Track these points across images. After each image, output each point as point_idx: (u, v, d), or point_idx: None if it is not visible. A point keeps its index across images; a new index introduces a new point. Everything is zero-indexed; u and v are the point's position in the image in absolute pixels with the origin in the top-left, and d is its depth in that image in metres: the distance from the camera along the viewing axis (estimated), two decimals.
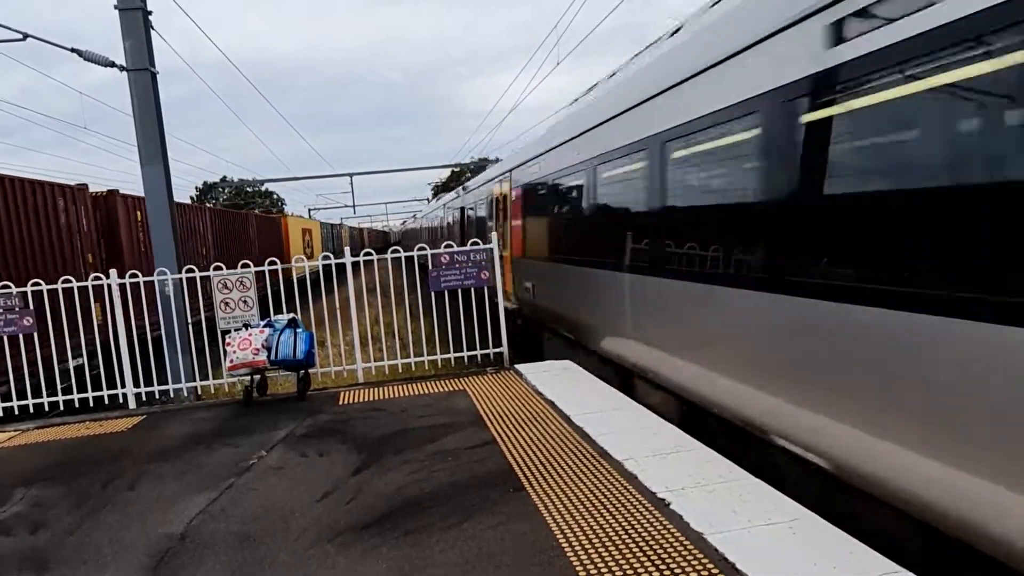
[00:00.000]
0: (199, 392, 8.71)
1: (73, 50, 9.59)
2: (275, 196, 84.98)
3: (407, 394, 7.18)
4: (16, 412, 7.69)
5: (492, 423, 5.80)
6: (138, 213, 14.67)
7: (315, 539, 3.80)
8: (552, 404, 6.26)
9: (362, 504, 4.24)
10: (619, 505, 3.88)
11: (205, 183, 76.35)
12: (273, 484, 4.78)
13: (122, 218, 14.38)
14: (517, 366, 7.92)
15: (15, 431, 7.11)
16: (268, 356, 7.03)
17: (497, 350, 8.25)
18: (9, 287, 7.50)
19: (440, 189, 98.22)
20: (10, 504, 4.87)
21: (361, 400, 7.07)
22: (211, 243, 20.28)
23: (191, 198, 71.14)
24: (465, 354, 8.26)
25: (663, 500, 3.87)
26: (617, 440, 5.02)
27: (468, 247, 7.95)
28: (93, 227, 13.28)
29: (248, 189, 77.70)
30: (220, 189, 76.29)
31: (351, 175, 44.94)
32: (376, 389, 7.48)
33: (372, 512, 4.09)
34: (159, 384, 8.13)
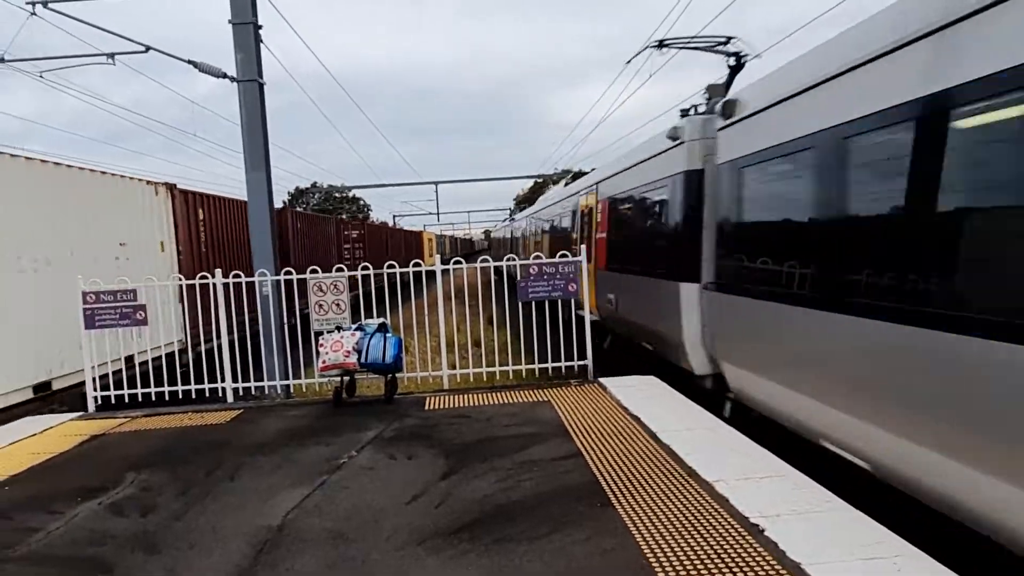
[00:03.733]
0: (290, 390, 9.06)
1: (190, 62, 10.21)
2: (362, 202, 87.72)
3: (492, 403, 7.24)
4: (126, 400, 8.18)
5: (577, 435, 5.78)
6: (199, 211, 13.99)
7: (406, 540, 3.88)
8: (637, 419, 6.19)
9: (451, 509, 4.30)
10: (711, 528, 3.79)
11: (297, 188, 79.39)
12: (364, 484, 4.91)
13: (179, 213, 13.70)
14: (601, 379, 7.88)
15: (125, 418, 7.58)
16: (358, 359, 7.24)
17: (581, 362, 8.23)
18: (126, 283, 8.01)
19: (523, 200, 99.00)
20: (122, 487, 5.19)
21: (447, 406, 7.18)
22: (364, 251, 27.45)
23: (283, 202, 74.26)
24: (549, 365, 8.27)
25: (757, 526, 3.76)
26: (706, 460, 4.91)
27: (557, 259, 7.97)
28: None
29: (336, 195, 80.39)
30: (311, 194, 79.12)
31: (436, 183, 45.89)
32: (461, 396, 7.58)
33: (461, 518, 4.15)
34: (254, 380, 8.50)
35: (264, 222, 10.11)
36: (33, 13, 9.85)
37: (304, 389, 8.92)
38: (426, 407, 7.20)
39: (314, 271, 8.17)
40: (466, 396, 7.56)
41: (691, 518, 3.94)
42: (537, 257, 7.96)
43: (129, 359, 8.98)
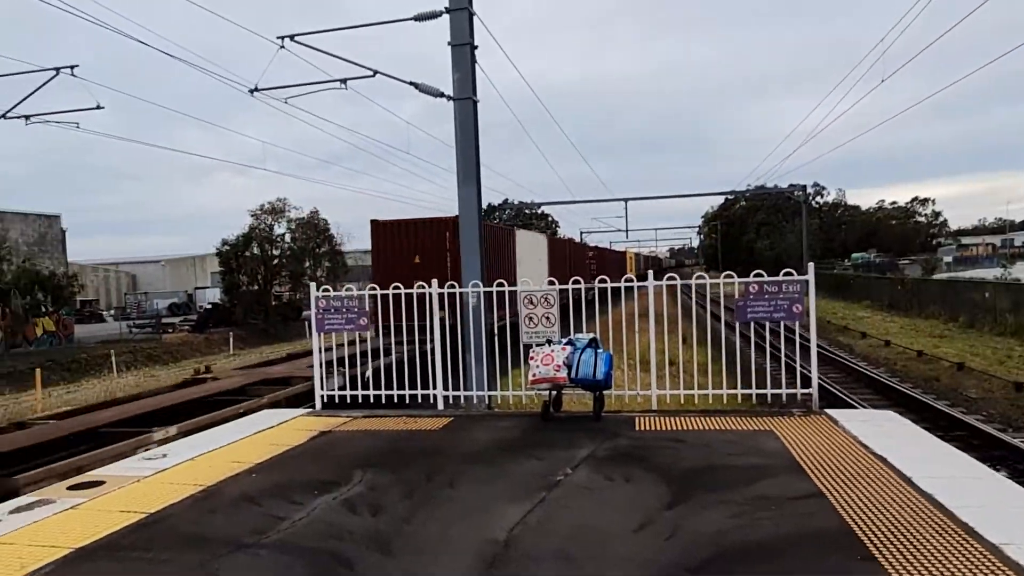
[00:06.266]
0: (489, 401, 9.18)
1: (411, 83, 10.81)
2: (550, 219, 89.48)
3: (706, 427, 6.80)
4: (348, 400, 8.72)
5: (813, 473, 5.21)
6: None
7: (638, 571, 3.64)
8: (883, 460, 5.47)
9: (682, 542, 3.99)
10: None
11: (490, 204, 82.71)
12: (584, 504, 4.73)
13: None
14: (829, 411, 7.14)
15: (347, 417, 8.05)
16: (568, 373, 7.13)
17: (805, 391, 7.52)
18: (351, 289, 8.56)
19: (713, 218, 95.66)
20: (352, 484, 5.44)
21: (658, 428, 6.85)
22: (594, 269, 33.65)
23: None
24: (768, 391, 7.64)
25: None
26: (984, 516, 4.17)
27: (781, 277, 7.37)
28: None
29: (527, 211, 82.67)
30: (502, 210, 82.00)
31: (626, 200, 45.44)
32: (672, 418, 7.21)
33: (695, 554, 3.82)
34: (459, 389, 8.70)
35: (473, 235, 10.42)
36: (282, 47, 10.97)
37: (500, 400, 8.98)
38: (636, 427, 6.91)
39: (524, 282, 8.22)
40: (677, 419, 7.17)
41: None
42: None
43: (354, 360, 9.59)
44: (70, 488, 5.62)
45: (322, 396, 8.72)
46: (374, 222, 20.75)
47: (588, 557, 3.85)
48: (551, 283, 8.14)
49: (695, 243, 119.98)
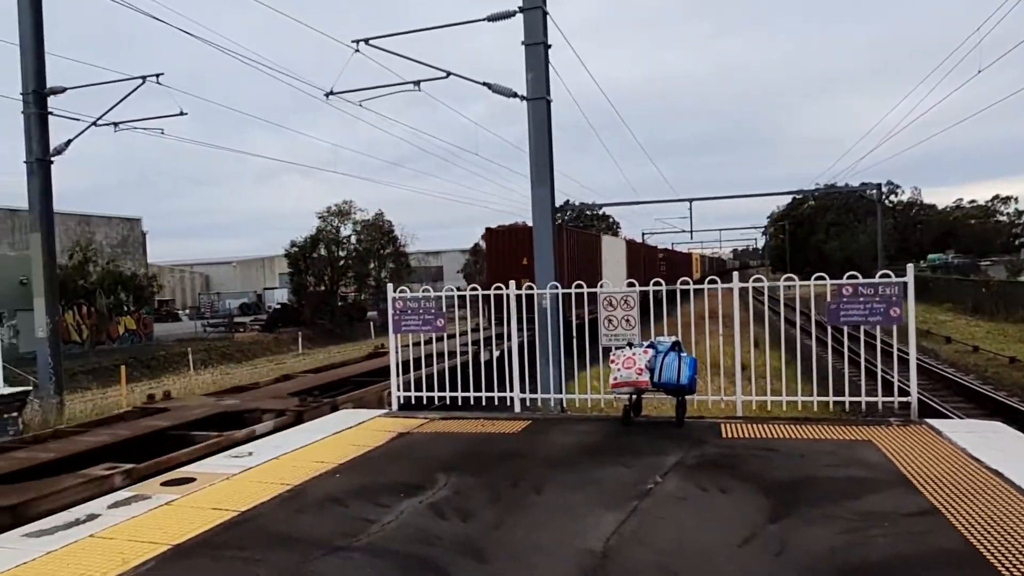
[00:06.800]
0: (563, 404, 9.03)
1: (484, 84, 10.78)
2: (611, 220, 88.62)
3: (797, 436, 6.51)
4: (424, 402, 8.71)
5: (923, 487, 4.89)
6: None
7: None
8: (998, 474, 5.10)
9: (794, 560, 3.77)
10: None
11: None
12: (680, 515, 4.55)
13: None
14: (931, 421, 6.74)
15: (425, 419, 8.04)
16: (650, 377, 6.94)
17: (903, 399, 7.12)
18: (428, 291, 8.55)
19: (779, 218, 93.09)
20: (437, 488, 5.38)
21: (746, 435, 6.59)
22: (663, 270, 33.85)
23: None
24: (863, 399, 7.27)
25: None
26: None
27: (877, 279, 7.00)
28: None
29: (587, 212, 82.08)
30: (563, 211, 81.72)
31: (691, 200, 44.56)
32: (759, 425, 6.93)
33: (809, 573, 3.60)
34: (536, 392, 8.59)
35: (547, 235, 10.30)
36: (357, 50, 11.08)
37: (577, 404, 8.82)
38: (723, 434, 6.67)
39: (579, 286, 8.04)
40: (765, 426, 6.89)
41: None
42: None
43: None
44: (163, 484, 5.74)
45: (398, 398, 8.74)
46: (488, 229, 24.73)
47: (692, 571, 3.68)
48: (630, 285, 7.94)
49: (759, 244, 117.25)
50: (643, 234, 71.86)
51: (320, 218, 46.25)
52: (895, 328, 7.32)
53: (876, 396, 7.24)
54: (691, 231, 50.10)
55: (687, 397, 7.35)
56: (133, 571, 4.01)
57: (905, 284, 6.97)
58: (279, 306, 50.23)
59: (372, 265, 47.87)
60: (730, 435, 6.64)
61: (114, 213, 39.36)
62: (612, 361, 7.13)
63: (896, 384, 7.24)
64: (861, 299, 7.01)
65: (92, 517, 4.95)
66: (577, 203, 73.10)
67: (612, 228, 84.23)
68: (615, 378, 7.03)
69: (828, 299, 7.17)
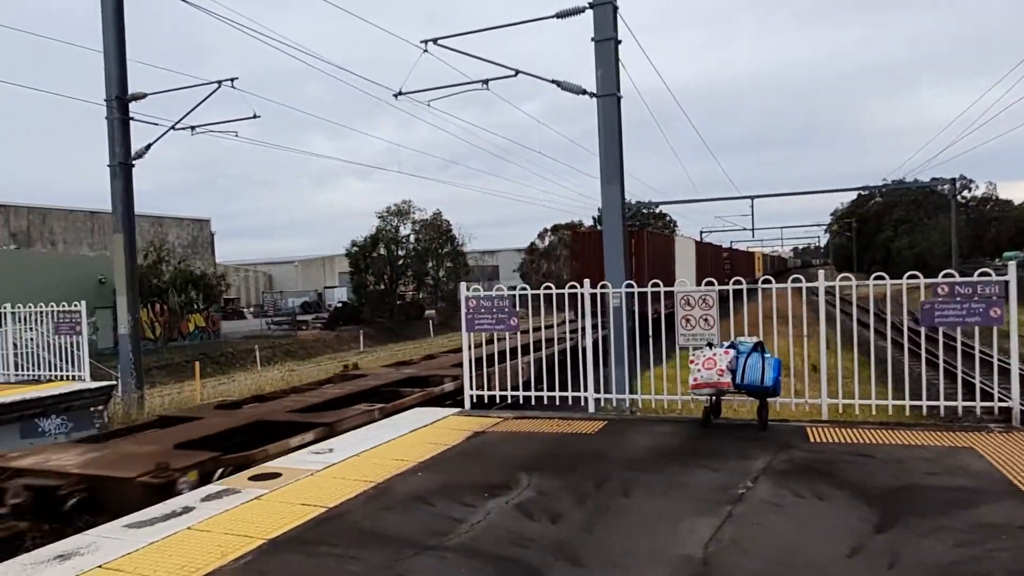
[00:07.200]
0: (635, 404, 8.86)
1: (554, 81, 10.69)
2: (668, 218, 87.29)
3: (890, 441, 6.23)
4: (497, 400, 8.70)
5: None
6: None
7: None
8: None
9: (910, 575, 3.58)
10: None
11: None
12: (778, 523, 4.39)
13: None
14: None
15: (499, 418, 8.01)
16: (732, 379, 6.75)
17: (1003, 404, 6.76)
18: (502, 289, 8.53)
19: (844, 215, 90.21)
20: (521, 488, 5.33)
21: (835, 440, 6.35)
22: (728, 269, 36.41)
23: (592, 218, 77.10)
24: (959, 404, 6.92)
25: None
26: None
27: (975, 278, 6.66)
28: None
29: (643, 211, 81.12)
30: None
31: (752, 197, 43.54)
32: (848, 429, 6.67)
33: None
34: (611, 391, 8.47)
35: (617, 234, 10.16)
36: (425, 50, 11.15)
37: (653, 404, 8.65)
38: (809, 438, 6.43)
39: (655, 284, 7.88)
40: (855, 431, 6.62)
41: None
42: None
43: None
44: (251, 479, 5.86)
45: (471, 396, 8.74)
46: (574, 232, 28.52)
47: None
48: (709, 284, 7.74)
49: (821, 242, 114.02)
50: (700, 232, 70.63)
51: (380, 217, 46.97)
52: (976, 330, 6.95)
53: (974, 401, 6.86)
54: (753, 229, 48.87)
55: (770, 400, 7.14)
56: (232, 563, 4.08)
57: (1007, 283, 6.61)
58: (340, 304, 51.15)
59: (430, 264, 48.33)
60: (818, 439, 6.41)
61: (184, 214, 40.81)
62: (692, 361, 6.97)
63: (996, 391, 6.87)
64: (958, 299, 6.68)
65: (187, 510, 5.07)
66: (634, 201, 72.31)
67: (669, 227, 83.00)
68: (695, 379, 6.87)
69: (922, 299, 6.84)
